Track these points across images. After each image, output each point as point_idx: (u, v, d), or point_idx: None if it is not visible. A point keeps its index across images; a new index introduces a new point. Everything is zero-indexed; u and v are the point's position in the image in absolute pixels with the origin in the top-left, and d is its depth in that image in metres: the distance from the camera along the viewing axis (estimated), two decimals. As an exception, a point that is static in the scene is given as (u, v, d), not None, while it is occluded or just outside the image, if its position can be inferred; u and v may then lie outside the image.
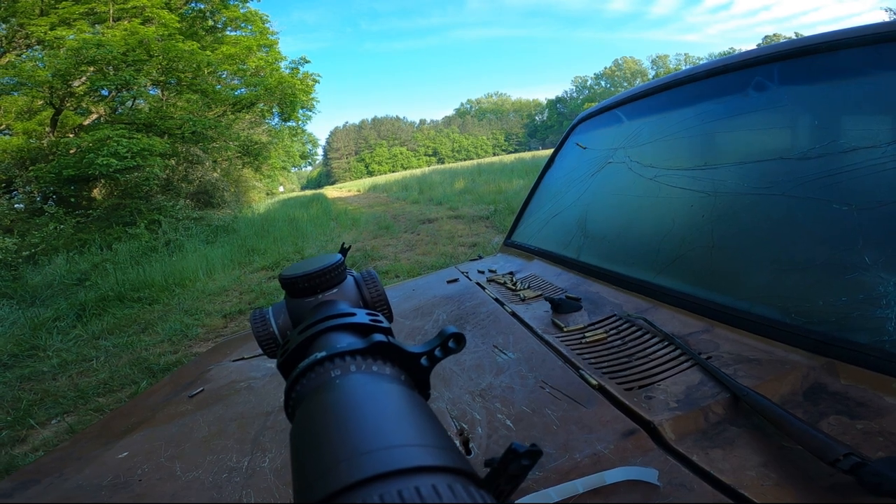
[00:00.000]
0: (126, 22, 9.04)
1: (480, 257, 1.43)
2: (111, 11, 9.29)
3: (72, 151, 7.94)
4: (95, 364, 3.19)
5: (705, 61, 0.97)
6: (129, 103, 10.13)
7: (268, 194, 23.03)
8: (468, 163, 33.71)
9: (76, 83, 8.40)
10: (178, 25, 9.78)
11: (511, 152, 66.76)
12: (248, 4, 12.27)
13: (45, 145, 8.57)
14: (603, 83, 70.99)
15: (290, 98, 12.23)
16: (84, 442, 0.74)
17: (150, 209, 8.30)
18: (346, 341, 0.26)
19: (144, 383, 2.75)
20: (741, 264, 0.67)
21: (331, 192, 28.76)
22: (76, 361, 3.29)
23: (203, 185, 10.75)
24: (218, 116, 11.18)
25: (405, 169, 66.13)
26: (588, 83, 73.45)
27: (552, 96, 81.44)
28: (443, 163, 69.50)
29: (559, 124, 71.27)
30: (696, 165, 0.81)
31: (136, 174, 7.98)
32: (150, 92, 10.14)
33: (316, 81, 13.66)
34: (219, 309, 4.22)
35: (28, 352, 3.59)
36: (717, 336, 0.60)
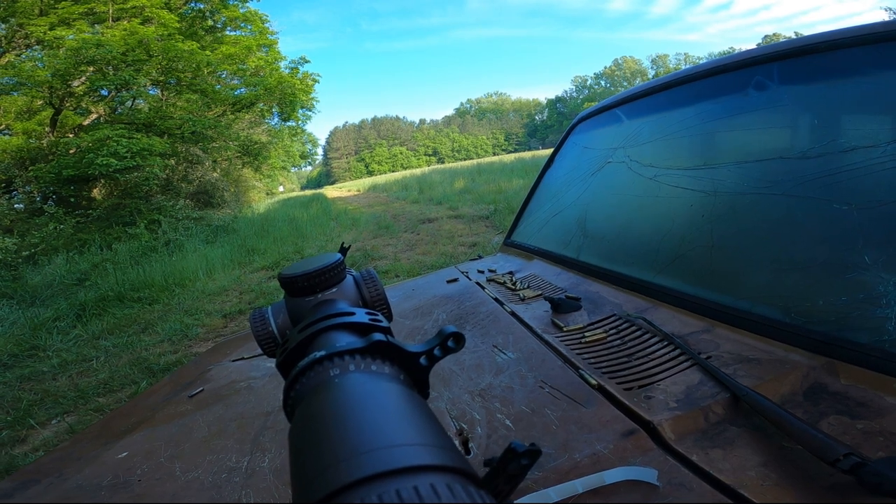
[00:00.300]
0: (125, 22, 9.04)
1: (480, 257, 1.43)
2: (110, 11, 9.29)
3: (71, 151, 7.94)
4: (95, 364, 3.19)
5: (705, 61, 0.97)
6: (129, 103, 10.13)
7: (268, 194, 23.03)
8: (468, 162, 33.70)
9: (76, 83, 8.40)
10: (178, 25, 9.77)
11: (511, 152, 66.76)
12: (247, 4, 12.27)
13: (44, 145, 8.57)
14: (603, 83, 70.99)
15: (289, 98, 12.23)
16: (84, 442, 0.74)
17: (149, 209, 8.30)
18: (346, 340, 0.26)
19: (144, 383, 2.75)
20: (741, 264, 0.67)
21: (331, 191, 28.76)
22: (76, 361, 3.29)
23: (203, 185, 10.75)
24: (218, 116, 11.18)
25: (405, 169, 66.14)
26: (588, 83, 73.45)
27: (552, 96, 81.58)
28: (443, 162, 69.49)
29: (559, 124, 71.27)
30: (696, 165, 0.81)
31: (135, 174, 7.98)
32: (150, 92, 10.14)
33: (316, 81, 13.67)
34: (219, 309, 4.22)
35: (28, 352, 3.59)
36: (716, 336, 0.60)
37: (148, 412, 0.79)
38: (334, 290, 0.36)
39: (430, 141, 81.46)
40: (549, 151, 1.48)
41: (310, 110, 14.19)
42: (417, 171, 36.08)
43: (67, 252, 6.68)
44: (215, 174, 11.60)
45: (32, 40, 9.02)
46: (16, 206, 7.94)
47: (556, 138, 1.47)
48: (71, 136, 8.75)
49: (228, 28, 12.55)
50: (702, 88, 0.89)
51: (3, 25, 8.96)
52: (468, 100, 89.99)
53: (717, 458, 0.41)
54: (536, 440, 0.48)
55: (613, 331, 0.68)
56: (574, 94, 74.50)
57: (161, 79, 9.55)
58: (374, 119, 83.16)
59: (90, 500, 0.54)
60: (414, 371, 0.26)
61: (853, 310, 0.50)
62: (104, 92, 9.06)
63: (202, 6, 11.58)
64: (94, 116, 9.58)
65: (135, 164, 7.75)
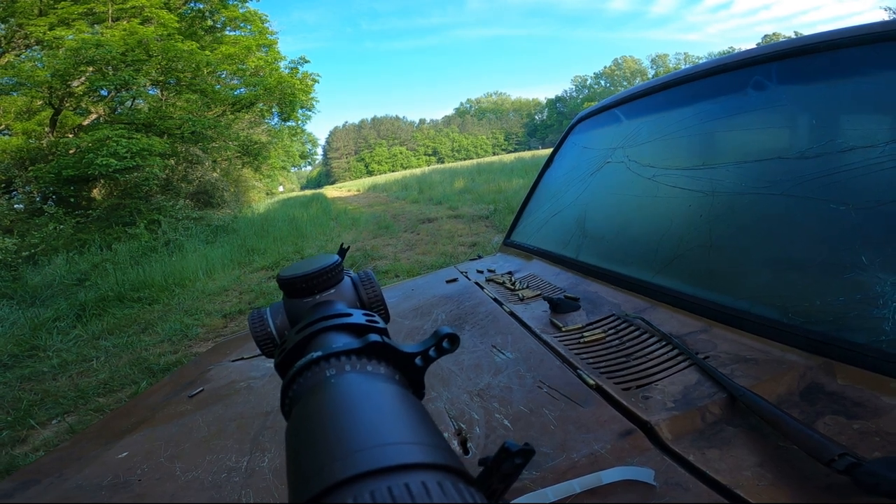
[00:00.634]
0: (125, 22, 9.03)
1: (480, 257, 1.43)
2: (110, 11, 9.28)
3: (71, 151, 7.94)
4: (95, 364, 3.19)
5: (704, 60, 0.97)
6: (129, 103, 10.13)
7: (267, 194, 23.03)
8: (468, 162, 33.70)
9: (75, 83, 8.39)
10: (177, 25, 9.77)
11: (511, 152, 66.74)
12: (247, 4, 12.27)
13: (44, 145, 8.57)
14: (602, 82, 70.96)
15: (289, 98, 12.23)
16: (84, 442, 0.74)
17: (149, 209, 8.30)
18: (342, 341, 0.26)
19: (144, 383, 2.75)
20: (739, 264, 0.67)
21: (330, 191, 28.77)
22: (76, 361, 3.30)
23: (203, 185, 10.75)
24: (217, 116, 11.18)
25: (405, 168, 66.11)
26: (588, 82, 73.40)
27: (552, 95, 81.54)
28: (442, 162, 69.47)
29: (559, 123, 71.25)
30: (695, 165, 0.81)
31: (135, 174, 7.98)
32: (150, 92, 10.14)
33: (315, 81, 13.66)
34: (218, 309, 4.23)
35: (28, 352, 3.59)
36: (714, 336, 0.60)
37: (148, 412, 0.79)
38: (332, 291, 0.36)
39: (429, 141, 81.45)
40: (548, 151, 1.48)
41: (309, 110, 14.19)
42: (417, 170, 36.08)
43: (67, 252, 6.68)
44: (215, 174, 11.61)
45: (32, 40, 9.02)
46: (16, 206, 7.94)
47: (556, 138, 1.47)
48: (71, 136, 8.75)
49: (228, 28, 12.55)
50: (701, 88, 0.90)
51: (2, 25, 8.96)
52: (468, 99, 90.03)
53: (714, 458, 0.41)
54: (534, 440, 0.48)
55: (612, 331, 0.68)
56: (574, 93, 74.48)
57: (161, 79, 9.55)
58: (373, 119, 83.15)
59: (90, 500, 0.55)
60: (409, 371, 0.26)
61: (850, 310, 0.50)
62: (104, 92, 9.06)
63: (202, 6, 11.58)
64: (93, 116, 9.58)
65: (134, 164, 7.75)
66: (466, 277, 1.14)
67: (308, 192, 33.67)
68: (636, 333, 0.65)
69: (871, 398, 0.44)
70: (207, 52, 10.08)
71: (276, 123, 15.01)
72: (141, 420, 0.76)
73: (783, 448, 0.40)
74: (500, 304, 0.89)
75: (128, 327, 3.95)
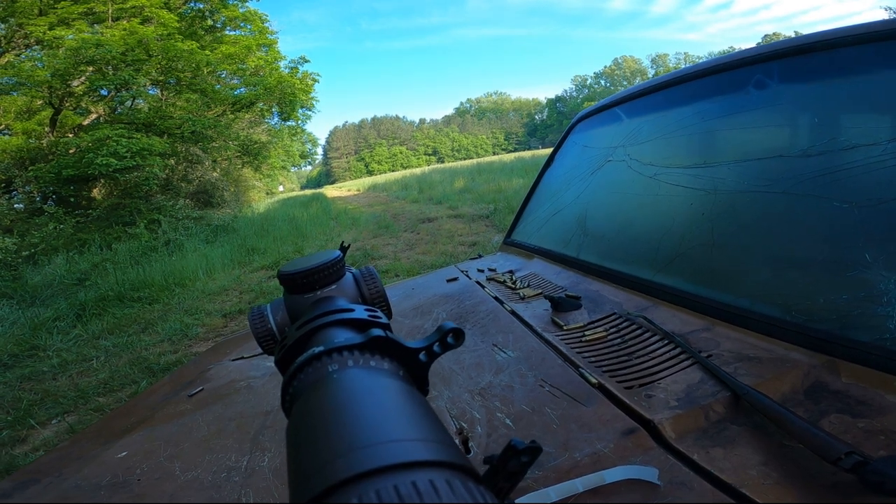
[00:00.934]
0: (125, 22, 9.02)
1: (480, 256, 1.43)
2: (110, 11, 9.28)
3: (71, 151, 7.94)
4: (95, 364, 3.19)
5: (704, 60, 0.96)
6: (129, 103, 10.12)
7: (267, 194, 23.02)
8: (468, 162, 33.67)
9: (75, 83, 8.39)
10: (177, 25, 9.76)
11: (511, 151, 66.71)
12: (247, 4, 12.25)
13: (44, 145, 8.57)
14: (603, 82, 70.94)
15: (289, 97, 12.22)
16: (83, 442, 0.74)
17: (149, 209, 8.29)
18: (344, 336, 0.26)
19: (144, 383, 2.75)
20: (741, 262, 0.67)
21: (330, 191, 28.76)
22: (76, 361, 3.29)
23: (203, 185, 10.74)
24: (217, 116, 11.17)
25: (405, 168, 66.09)
26: (588, 82, 73.38)
27: (552, 95, 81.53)
28: (442, 162, 69.45)
29: (559, 123, 71.23)
30: (696, 163, 0.81)
31: (135, 174, 7.97)
32: (150, 91, 10.13)
33: (315, 81, 13.65)
34: (219, 308, 4.22)
35: (28, 352, 3.59)
36: (717, 334, 0.60)
37: (147, 412, 0.79)
38: (333, 287, 0.36)
39: (429, 140, 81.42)
40: (548, 151, 1.48)
41: (310, 110, 14.18)
42: (417, 170, 36.08)
43: (67, 252, 6.68)
44: (215, 174, 11.60)
45: (32, 40, 9.01)
46: (16, 205, 7.94)
47: (556, 137, 1.47)
48: (71, 135, 8.74)
49: (228, 28, 12.54)
50: (702, 87, 0.89)
51: (2, 25, 8.96)
52: (468, 99, 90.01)
53: (718, 457, 0.41)
54: (537, 439, 0.47)
55: (614, 329, 0.68)
56: (574, 93, 74.46)
57: (161, 78, 9.54)
58: (373, 118, 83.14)
59: (90, 499, 0.54)
60: (413, 367, 0.26)
61: (854, 308, 0.50)
62: (104, 92, 9.05)
63: (202, 6, 11.57)
64: (93, 116, 9.58)
65: (134, 163, 7.74)
66: (467, 276, 1.14)
67: (308, 191, 33.68)
68: (638, 332, 0.65)
69: (875, 396, 0.43)
70: (207, 52, 10.07)
71: (276, 123, 15.00)
72: (140, 420, 0.75)
73: (788, 447, 0.40)
74: (501, 302, 0.89)
75: (128, 327, 3.95)
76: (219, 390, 0.79)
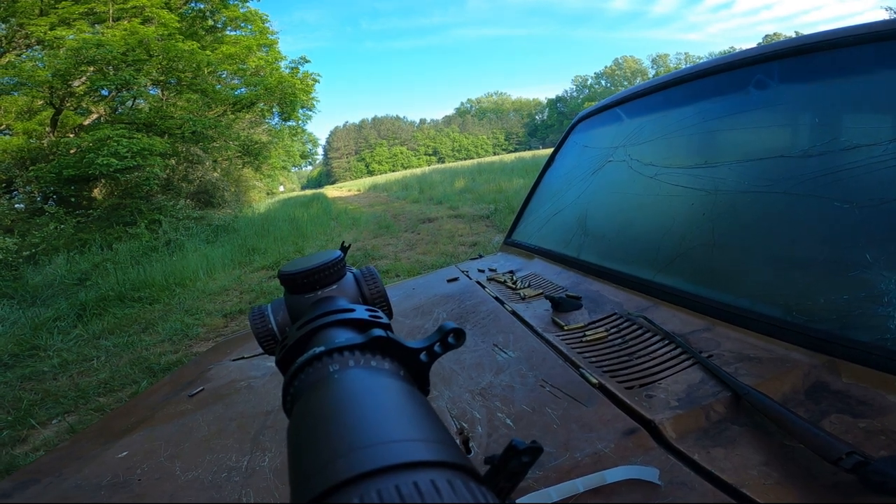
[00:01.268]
0: (126, 22, 9.03)
1: (481, 256, 1.43)
2: (111, 11, 9.28)
3: (72, 151, 7.94)
4: (96, 364, 3.19)
5: (705, 60, 0.96)
6: (129, 103, 10.13)
7: (268, 194, 23.01)
8: (468, 162, 33.65)
9: (76, 83, 8.39)
10: (178, 25, 9.76)
11: (511, 151, 66.70)
12: (247, 4, 12.26)
13: (45, 145, 8.57)
14: (603, 82, 70.91)
15: (290, 98, 12.22)
16: (83, 442, 0.74)
17: (150, 209, 8.30)
18: (345, 336, 0.26)
19: (145, 383, 2.75)
20: (742, 262, 0.67)
21: (331, 191, 28.76)
22: (77, 361, 3.29)
23: (203, 185, 10.75)
24: (218, 116, 11.17)
25: (405, 168, 66.08)
26: (588, 82, 73.35)
27: (552, 95, 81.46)
28: (443, 162, 69.43)
29: (559, 123, 71.18)
30: (697, 164, 0.81)
31: (136, 174, 7.98)
32: (150, 92, 10.13)
33: (316, 81, 13.65)
34: (219, 308, 4.22)
35: (29, 352, 3.59)
36: (717, 334, 0.60)
37: (148, 412, 0.79)
38: (334, 287, 0.36)
39: (430, 140, 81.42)
40: (549, 151, 1.48)
41: (310, 110, 14.19)
42: (418, 170, 36.09)
43: (68, 252, 6.68)
44: (216, 174, 11.61)
45: (33, 40, 9.02)
46: (16, 206, 7.94)
47: (557, 138, 1.47)
48: (71, 135, 8.75)
49: (229, 28, 12.54)
50: (702, 87, 0.89)
51: (3, 25, 8.96)
52: (468, 99, 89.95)
53: (719, 457, 0.41)
54: (537, 439, 0.47)
55: (614, 329, 0.68)
56: (574, 93, 74.44)
57: (161, 79, 9.54)
58: (374, 119, 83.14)
59: (90, 499, 0.54)
60: (414, 367, 0.26)
61: (854, 308, 0.50)
62: (104, 92, 9.06)
63: (202, 6, 11.58)
64: (94, 116, 9.58)
65: (135, 163, 7.75)
66: (467, 276, 1.14)
67: (308, 191, 33.69)
68: (639, 332, 0.65)
69: (876, 396, 0.43)
70: (208, 52, 10.08)
71: (276, 123, 15.00)
72: (141, 420, 0.75)
73: (789, 447, 0.40)
74: (502, 302, 0.89)
75: (128, 327, 3.95)
76: (219, 390, 0.79)
